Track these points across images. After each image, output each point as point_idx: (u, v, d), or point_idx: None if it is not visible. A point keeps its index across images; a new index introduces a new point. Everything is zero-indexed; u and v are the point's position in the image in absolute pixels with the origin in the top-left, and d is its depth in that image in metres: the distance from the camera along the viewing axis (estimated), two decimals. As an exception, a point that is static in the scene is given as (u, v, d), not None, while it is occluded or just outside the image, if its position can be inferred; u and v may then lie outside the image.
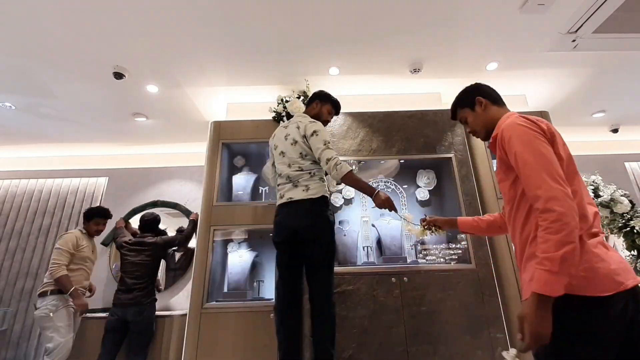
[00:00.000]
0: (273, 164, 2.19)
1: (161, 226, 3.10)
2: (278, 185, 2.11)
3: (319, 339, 1.85)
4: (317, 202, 1.95)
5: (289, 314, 1.94)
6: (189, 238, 2.98)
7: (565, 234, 0.87)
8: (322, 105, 2.21)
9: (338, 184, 1.92)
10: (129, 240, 2.82)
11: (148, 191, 4.00)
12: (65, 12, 2.16)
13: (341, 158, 2.73)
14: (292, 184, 2.00)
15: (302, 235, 1.92)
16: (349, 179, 1.88)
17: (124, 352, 2.59)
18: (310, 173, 2.00)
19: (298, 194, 1.96)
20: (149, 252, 2.75)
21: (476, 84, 1.35)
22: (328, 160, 1.90)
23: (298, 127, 2.06)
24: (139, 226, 2.98)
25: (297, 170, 2.00)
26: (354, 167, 2.06)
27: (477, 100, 1.28)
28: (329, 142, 1.98)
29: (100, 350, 2.52)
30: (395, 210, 1.87)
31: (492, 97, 1.28)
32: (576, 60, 2.79)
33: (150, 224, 2.96)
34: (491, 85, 1.33)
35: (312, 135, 1.99)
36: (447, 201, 2.88)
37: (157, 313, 2.81)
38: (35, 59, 2.55)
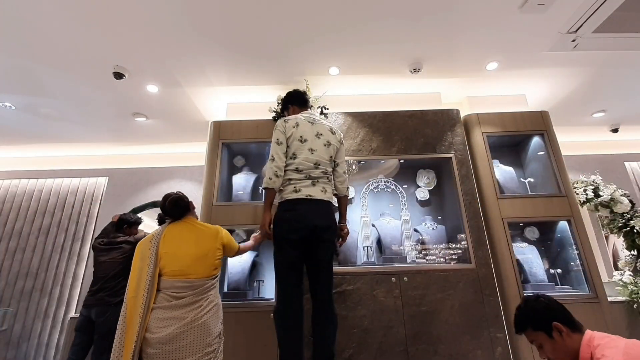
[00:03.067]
0: (285, 153, 1.99)
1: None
2: (290, 179, 1.97)
3: (324, 339, 1.84)
4: (331, 205, 2.04)
5: (299, 318, 1.90)
6: None
7: None
8: (296, 108, 2.25)
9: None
10: (101, 241, 2.70)
11: (148, 191, 4.01)
12: (65, 12, 2.16)
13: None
14: (310, 181, 1.99)
15: (319, 234, 1.91)
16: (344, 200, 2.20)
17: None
18: (328, 177, 2.07)
19: (317, 193, 1.97)
20: (119, 251, 2.63)
21: (545, 301, 1.24)
22: (344, 172, 2.15)
23: (332, 132, 2.12)
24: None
25: (322, 172, 2.02)
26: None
27: (554, 326, 1.18)
28: None
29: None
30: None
31: (569, 322, 1.19)
32: (576, 60, 2.78)
33: (117, 224, 2.80)
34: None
35: (342, 144, 2.16)
36: (447, 201, 2.88)
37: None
38: (35, 59, 2.55)
